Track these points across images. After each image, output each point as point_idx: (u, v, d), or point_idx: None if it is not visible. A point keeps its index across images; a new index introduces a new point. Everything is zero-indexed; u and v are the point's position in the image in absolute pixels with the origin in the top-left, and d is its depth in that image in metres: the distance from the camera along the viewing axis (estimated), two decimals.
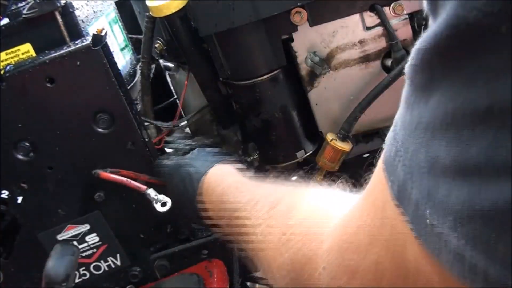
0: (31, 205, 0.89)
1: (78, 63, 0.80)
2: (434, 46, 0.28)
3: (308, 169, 1.00)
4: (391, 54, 0.81)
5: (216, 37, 0.82)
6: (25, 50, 0.84)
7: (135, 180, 0.85)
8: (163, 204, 0.83)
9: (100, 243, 0.94)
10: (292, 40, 0.83)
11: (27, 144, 0.85)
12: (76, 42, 0.82)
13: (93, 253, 0.95)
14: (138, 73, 1.07)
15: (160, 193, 0.82)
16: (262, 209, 0.60)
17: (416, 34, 0.82)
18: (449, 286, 0.31)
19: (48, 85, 0.81)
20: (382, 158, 0.37)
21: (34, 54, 0.83)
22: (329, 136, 0.85)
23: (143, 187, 0.83)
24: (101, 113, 0.84)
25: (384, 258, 0.38)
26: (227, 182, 0.72)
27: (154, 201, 0.82)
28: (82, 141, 0.86)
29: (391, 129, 0.36)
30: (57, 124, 0.84)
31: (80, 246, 0.92)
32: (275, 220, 0.57)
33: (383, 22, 0.80)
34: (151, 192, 0.83)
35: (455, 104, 0.27)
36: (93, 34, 0.82)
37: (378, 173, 0.38)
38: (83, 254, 0.94)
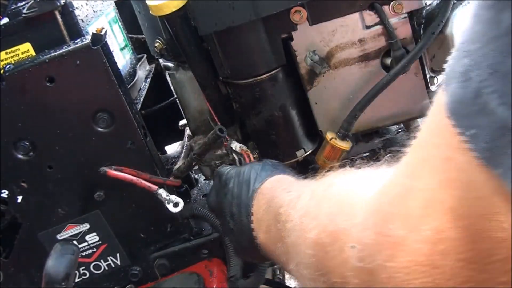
0: (31, 204, 0.89)
1: (78, 62, 0.81)
2: None
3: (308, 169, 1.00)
4: (391, 52, 0.81)
5: (215, 36, 0.82)
6: (25, 50, 0.84)
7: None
8: (176, 205, 0.82)
9: (100, 242, 0.94)
10: (291, 39, 0.83)
11: (27, 143, 0.85)
12: (76, 41, 0.82)
13: (93, 252, 0.95)
14: (138, 73, 1.07)
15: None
16: (303, 200, 0.56)
17: (415, 32, 0.82)
18: None
19: (48, 84, 0.82)
20: (446, 104, 0.30)
21: (34, 54, 0.84)
22: (329, 135, 0.85)
23: (154, 187, 0.82)
24: (101, 113, 0.84)
25: (450, 227, 0.31)
26: (277, 187, 0.68)
27: (166, 201, 0.81)
28: (82, 140, 0.86)
29: (444, 75, 0.30)
30: (57, 124, 0.85)
31: (80, 246, 0.92)
32: (310, 204, 0.53)
33: (383, 21, 0.80)
34: (163, 193, 0.82)
35: None
36: (93, 34, 0.82)
37: (436, 122, 0.31)
38: (83, 254, 0.94)
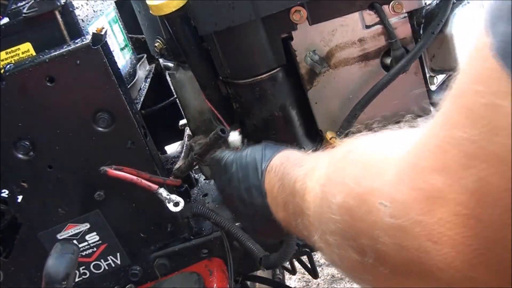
0: (31, 204, 0.89)
1: (78, 62, 0.81)
2: None
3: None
4: (391, 52, 0.82)
5: (215, 36, 0.82)
6: (25, 49, 0.84)
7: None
8: (176, 204, 0.82)
9: (100, 242, 0.94)
10: (291, 38, 0.83)
11: (27, 143, 0.85)
12: (76, 41, 0.82)
13: (93, 252, 0.95)
14: (138, 73, 1.08)
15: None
16: (320, 170, 0.54)
17: (415, 32, 0.82)
18: None
19: (48, 84, 0.82)
20: (492, 45, 0.28)
21: (34, 53, 0.84)
22: (329, 135, 0.85)
23: (155, 186, 0.82)
24: (101, 112, 0.84)
25: (497, 177, 0.30)
26: (288, 163, 0.67)
27: (167, 200, 0.81)
28: (82, 140, 0.86)
29: (486, 17, 0.28)
30: (57, 123, 0.85)
31: (80, 245, 0.92)
32: (330, 171, 0.51)
33: (383, 21, 0.80)
34: (163, 192, 0.82)
35: None
36: (93, 33, 0.82)
37: (477, 68, 0.30)
38: (83, 253, 0.94)
